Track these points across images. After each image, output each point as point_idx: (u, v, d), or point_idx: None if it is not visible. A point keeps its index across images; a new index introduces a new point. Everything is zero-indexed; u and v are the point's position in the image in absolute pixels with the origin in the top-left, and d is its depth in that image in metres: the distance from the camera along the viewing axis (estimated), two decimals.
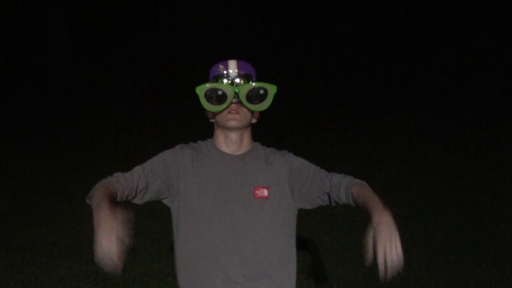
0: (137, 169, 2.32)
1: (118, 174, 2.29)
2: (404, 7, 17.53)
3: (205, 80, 2.34)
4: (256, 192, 2.33)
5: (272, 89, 2.29)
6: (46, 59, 16.18)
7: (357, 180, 2.34)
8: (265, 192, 2.33)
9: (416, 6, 17.56)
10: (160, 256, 5.68)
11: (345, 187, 2.30)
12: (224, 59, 2.33)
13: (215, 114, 2.36)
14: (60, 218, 6.75)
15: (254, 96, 2.29)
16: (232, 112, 2.31)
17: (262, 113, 2.43)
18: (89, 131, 11.00)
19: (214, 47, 18.88)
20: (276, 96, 2.31)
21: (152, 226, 6.38)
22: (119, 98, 14.14)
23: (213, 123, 2.43)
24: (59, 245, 6.01)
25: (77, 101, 13.67)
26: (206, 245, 2.31)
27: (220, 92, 2.26)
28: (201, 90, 2.27)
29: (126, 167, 2.44)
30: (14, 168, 8.67)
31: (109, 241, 1.91)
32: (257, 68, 2.35)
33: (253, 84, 2.28)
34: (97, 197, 2.07)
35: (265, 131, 10.77)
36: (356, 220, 6.84)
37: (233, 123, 2.32)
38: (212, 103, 2.28)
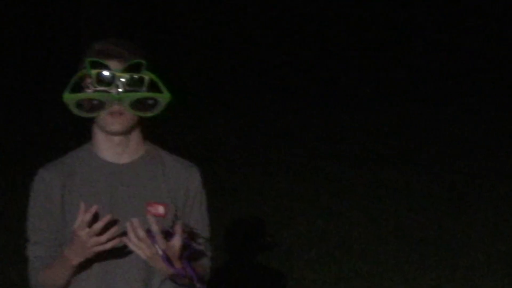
0: (38, 240, 2.12)
1: (35, 255, 2.12)
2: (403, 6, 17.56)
3: None
4: (149, 208, 1.99)
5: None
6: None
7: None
8: (161, 209, 2.00)
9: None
10: None
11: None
12: None
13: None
14: None
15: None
16: (113, 114, 2.23)
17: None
18: (89, 131, 10.98)
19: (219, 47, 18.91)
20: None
21: None
22: None
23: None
24: None
25: None
26: (95, 276, 2.06)
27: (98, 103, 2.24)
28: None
29: None
30: (14, 168, 8.65)
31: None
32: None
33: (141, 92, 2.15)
34: (50, 268, 2.05)
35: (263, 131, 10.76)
36: (356, 220, 6.83)
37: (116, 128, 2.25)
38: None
